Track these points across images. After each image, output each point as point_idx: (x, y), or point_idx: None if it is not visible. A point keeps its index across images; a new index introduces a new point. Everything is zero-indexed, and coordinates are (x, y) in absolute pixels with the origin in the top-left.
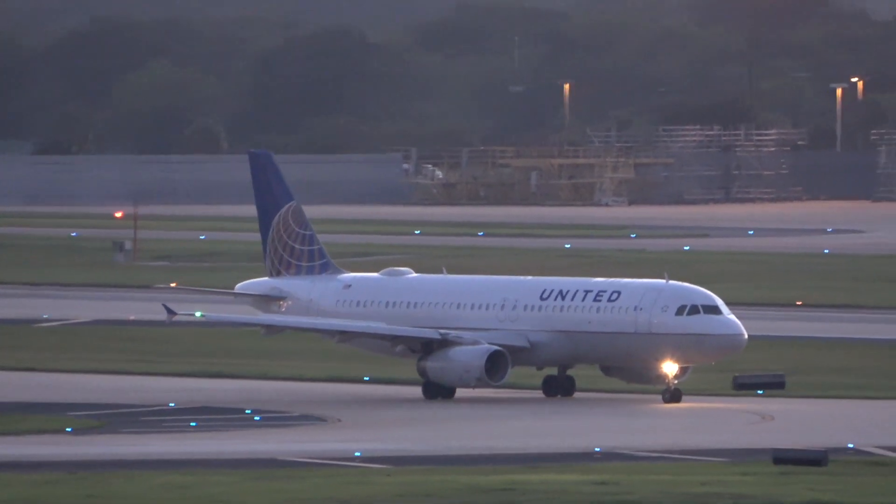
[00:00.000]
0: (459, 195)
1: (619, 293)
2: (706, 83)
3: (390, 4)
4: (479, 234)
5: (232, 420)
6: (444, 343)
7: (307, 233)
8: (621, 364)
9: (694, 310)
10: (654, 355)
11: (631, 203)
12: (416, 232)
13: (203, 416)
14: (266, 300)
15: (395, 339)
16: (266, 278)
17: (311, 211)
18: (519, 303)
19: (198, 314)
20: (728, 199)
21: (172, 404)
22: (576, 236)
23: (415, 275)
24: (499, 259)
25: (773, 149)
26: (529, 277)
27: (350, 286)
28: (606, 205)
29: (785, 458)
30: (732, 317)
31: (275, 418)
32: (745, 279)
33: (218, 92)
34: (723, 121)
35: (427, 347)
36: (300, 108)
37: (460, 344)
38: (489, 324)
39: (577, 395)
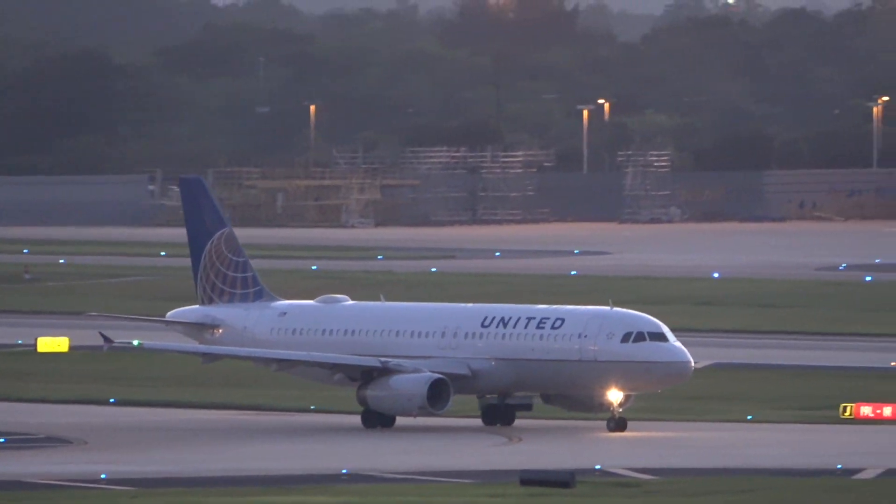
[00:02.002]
0: None
1: (562, 320)
2: (453, 105)
3: (138, 26)
4: None
5: None
6: (385, 371)
7: (240, 259)
8: (565, 392)
9: (640, 337)
10: (598, 383)
11: (377, 224)
12: (162, 253)
13: None
14: (199, 328)
15: (334, 367)
16: (198, 306)
17: (58, 232)
18: (460, 330)
19: (135, 342)
20: (475, 220)
21: None
22: (323, 258)
23: (351, 302)
24: None
25: (519, 170)
26: (470, 305)
27: (285, 314)
28: (353, 226)
29: (532, 480)
30: (679, 344)
31: (20, 440)
32: (493, 300)
33: None
34: (470, 142)
35: (367, 376)
36: (50, 129)
37: (401, 372)
38: (429, 351)
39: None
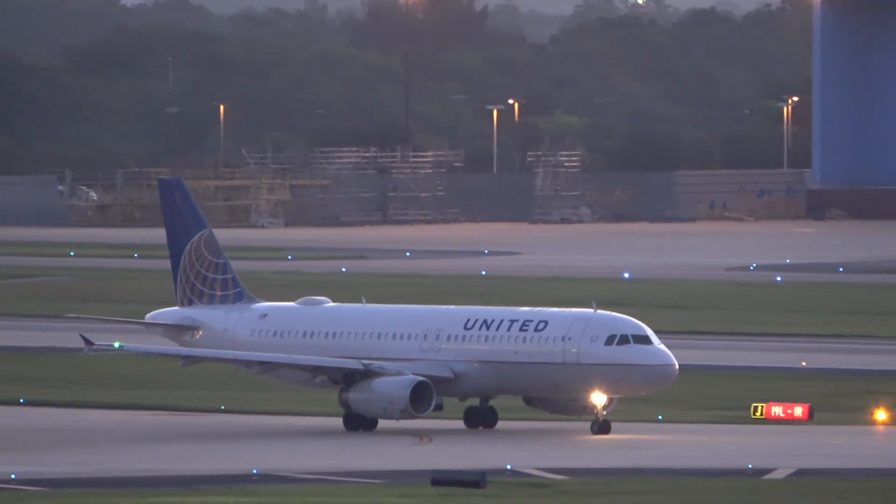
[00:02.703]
0: (114, 217)
1: (546, 322)
2: (363, 105)
3: (47, 27)
4: (135, 255)
5: None
6: (367, 374)
7: (220, 261)
8: (548, 395)
9: (624, 339)
10: (582, 386)
11: (287, 225)
12: (71, 254)
13: None
14: (178, 330)
15: (316, 369)
16: (177, 308)
17: None
18: (442, 332)
19: (116, 345)
20: (385, 220)
21: None
22: (232, 258)
23: (332, 304)
24: (154, 281)
25: (429, 171)
26: (453, 307)
27: (266, 315)
28: (263, 226)
29: (443, 480)
30: (663, 347)
31: None
32: (404, 301)
33: None
34: (379, 143)
35: (349, 379)
36: None
37: (383, 375)
38: (411, 354)
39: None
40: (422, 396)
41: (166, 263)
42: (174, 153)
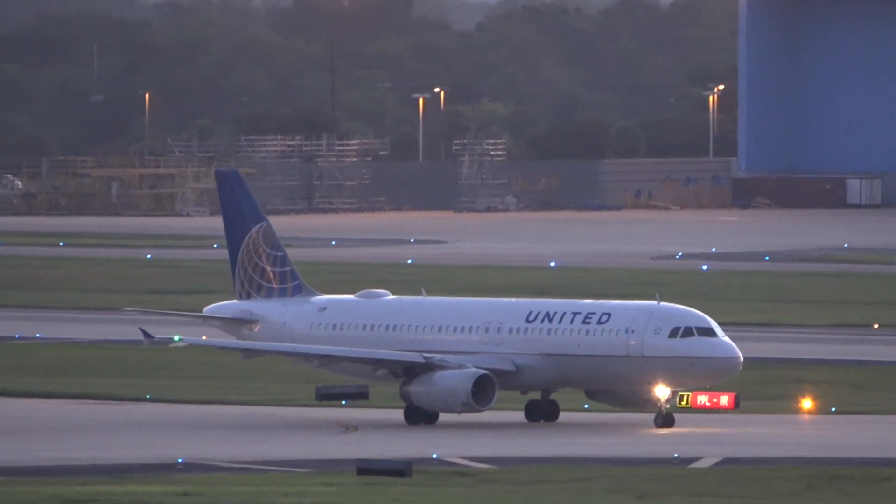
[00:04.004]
0: (40, 205)
1: (609, 315)
2: (288, 93)
3: None
4: (60, 244)
5: None
6: (429, 367)
7: (279, 254)
8: (610, 388)
9: (688, 332)
10: (645, 379)
11: (213, 213)
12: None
13: None
14: (236, 323)
15: (377, 363)
16: (235, 301)
17: None
18: (504, 325)
19: (176, 338)
20: (310, 209)
21: None
22: (158, 246)
23: (392, 296)
24: (80, 269)
25: (355, 159)
26: (514, 299)
27: (325, 309)
28: (188, 215)
29: (368, 469)
30: (727, 339)
31: None
32: (330, 289)
33: None
34: (305, 131)
35: (410, 372)
36: None
37: (445, 368)
38: (473, 347)
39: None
40: (484, 390)
41: (93, 251)
42: (99, 141)
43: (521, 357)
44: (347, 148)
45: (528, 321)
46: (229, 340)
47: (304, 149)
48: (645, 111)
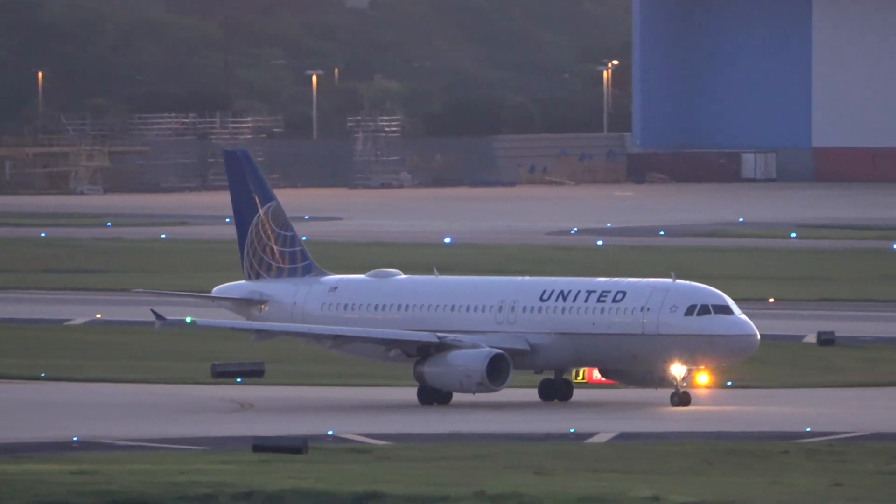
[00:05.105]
0: None
1: (624, 293)
2: (183, 72)
3: None
4: None
5: None
6: (442, 347)
7: (289, 234)
8: (626, 367)
9: (704, 310)
10: (661, 357)
11: (107, 191)
12: None
13: None
14: (246, 304)
15: (390, 343)
16: (244, 281)
17: None
18: (518, 304)
19: (188, 320)
20: (205, 187)
21: None
22: (52, 225)
23: (404, 276)
24: None
25: (249, 136)
26: (528, 278)
27: (336, 288)
28: (82, 193)
29: (264, 446)
30: (744, 317)
31: None
32: (223, 268)
33: None
34: (199, 109)
35: (423, 352)
36: None
37: (459, 348)
38: (487, 326)
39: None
40: (498, 369)
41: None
42: None
43: (536, 336)
44: (242, 125)
45: (542, 300)
46: (241, 321)
47: (199, 126)
48: (539, 88)
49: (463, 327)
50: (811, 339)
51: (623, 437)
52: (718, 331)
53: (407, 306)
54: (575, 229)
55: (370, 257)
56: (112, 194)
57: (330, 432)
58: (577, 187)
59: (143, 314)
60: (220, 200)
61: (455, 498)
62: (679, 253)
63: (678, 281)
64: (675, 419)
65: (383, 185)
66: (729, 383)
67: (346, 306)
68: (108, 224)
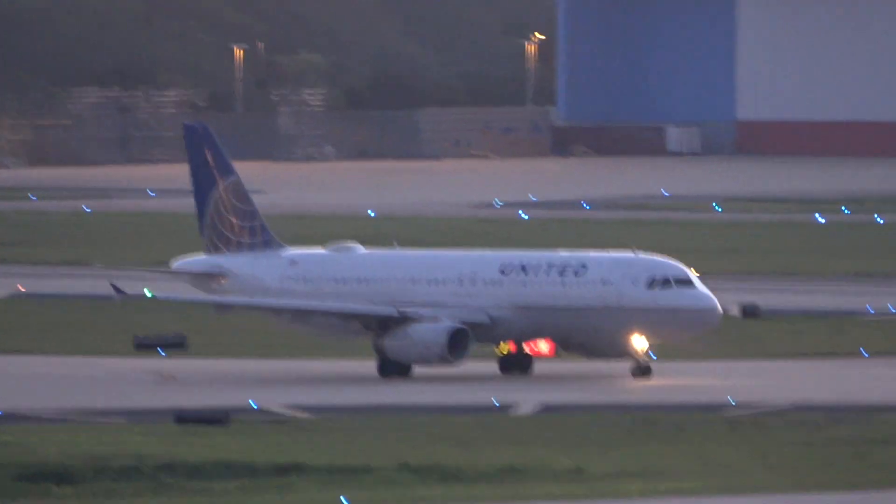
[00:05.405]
0: None
1: (585, 266)
2: (105, 45)
3: None
4: None
5: None
6: (403, 320)
7: (249, 208)
8: (587, 340)
9: (665, 283)
10: (622, 330)
11: (29, 164)
12: None
13: None
14: (206, 278)
15: (350, 317)
16: (204, 255)
17: None
18: (477, 277)
19: (148, 293)
20: (128, 160)
21: None
22: None
23: (364, 250)
24: None
25: (172, 110)
26: (488, 252)
27: (296, 262)
28: (4, 166)
29: (186, 418)
30: (706, 290)
31: None
32: (147, 240)
33: None
34: (122, 82)
35: (384, 325)
36: None
37: (420, 321)
38: (446, 299)
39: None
40: (459, 342)
41: None
42: None
43: (496, 309)
44: (165, 99)
45: (502, 273)
46: (201, 295)
47: (122, 100)
48: (463, 61)
49: (424, 300)
50: (735, 311)
51: (547, 408)
52: (679, 303)
53: (367, 279)
54: (498, 202)
55: (294, 230)
56: (34, 167)
57: (252, 404)
58: (501, 161)
59: (65, 287)
60: (144, 173)
61: (378, 469)
62: (603, 226)
63: (640, 254)
64: (598, 391)
65: (307, 159)
66: (653, 356)
67: (305, 280)
68: (32, 197)
